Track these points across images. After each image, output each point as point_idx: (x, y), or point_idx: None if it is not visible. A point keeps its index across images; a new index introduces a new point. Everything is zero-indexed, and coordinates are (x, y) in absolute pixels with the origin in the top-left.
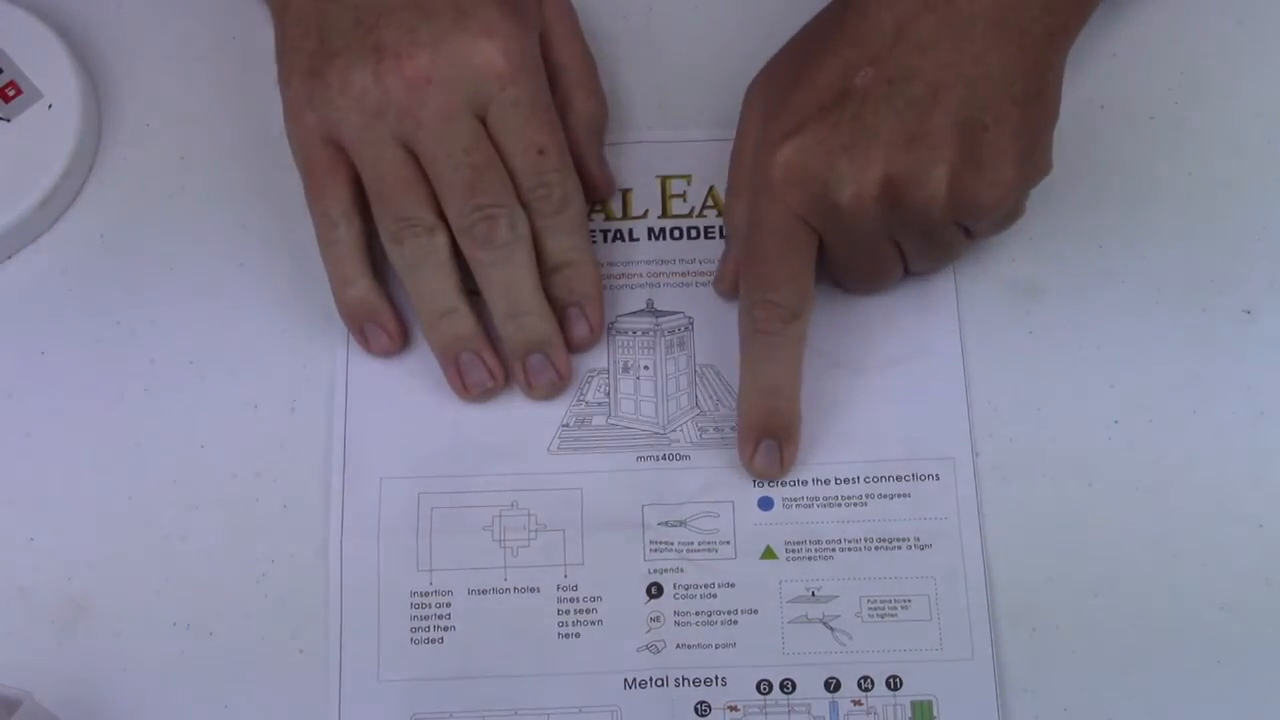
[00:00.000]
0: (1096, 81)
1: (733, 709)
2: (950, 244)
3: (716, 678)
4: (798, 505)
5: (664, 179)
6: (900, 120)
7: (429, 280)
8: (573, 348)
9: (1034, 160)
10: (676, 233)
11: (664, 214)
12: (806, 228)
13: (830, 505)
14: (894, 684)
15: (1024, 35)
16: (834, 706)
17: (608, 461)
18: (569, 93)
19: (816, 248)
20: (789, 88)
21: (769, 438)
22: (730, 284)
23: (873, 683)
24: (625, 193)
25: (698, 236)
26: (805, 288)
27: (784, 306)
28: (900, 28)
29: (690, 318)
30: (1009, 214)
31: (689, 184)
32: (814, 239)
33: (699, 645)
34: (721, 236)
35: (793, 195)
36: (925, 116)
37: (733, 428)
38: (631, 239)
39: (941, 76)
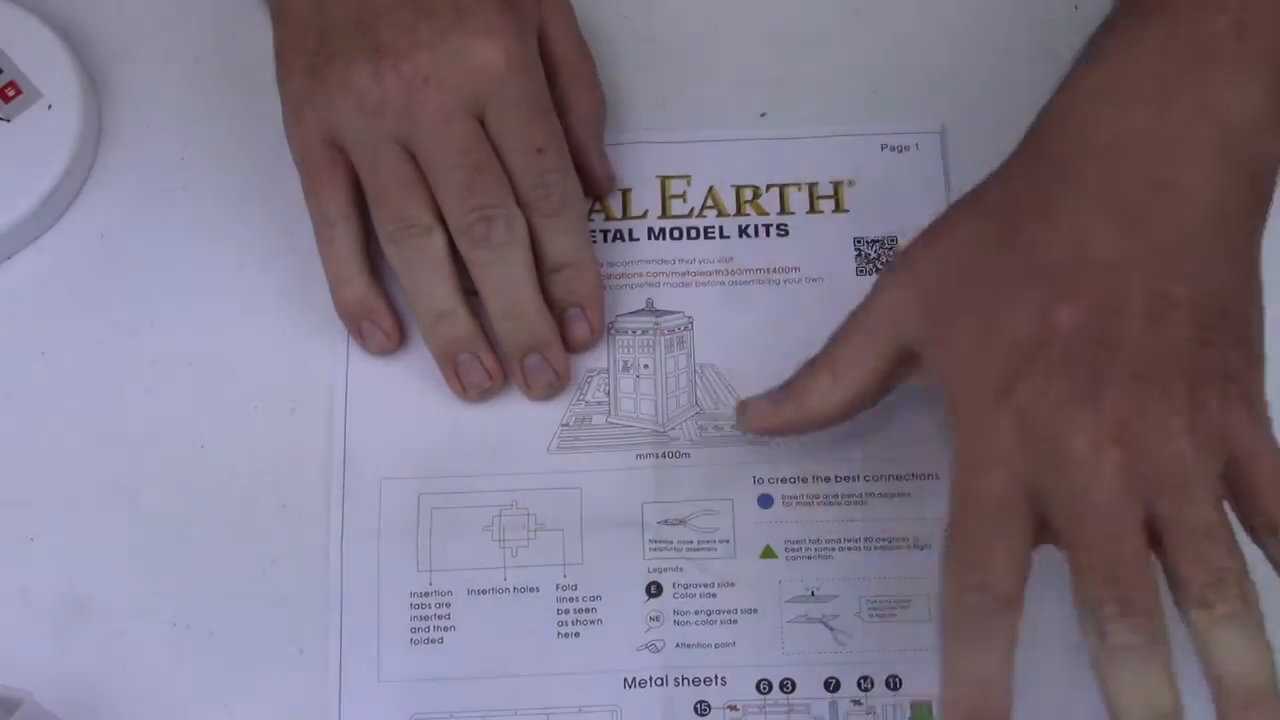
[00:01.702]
0: None
1: (732, 709)
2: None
3: (716, 677)
4: (797, 504)
5: (664, 179)
6: (1119, 360)
7: (426, 281)
8: (573, 348)
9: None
10: (676, 233)
11: (664, 214)
12: (1028, 501)
13: (830, 504)
14: (894, 684)
15: (1227, 233)
16: (834, 706)
17: (607, 460)
18: (567, 89)
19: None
20: (979, 341)
21: None
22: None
23: (872, 683)
24: (625, 193)
25: (698, 236)
26: (1023, 569)
27: (997, 590)
28: (1095, 246)
29: (690, 317)
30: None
31: (689, 184)
32: (1035, 517)
33: (699, 644)
34: (722, 236)
35: (1018, 460)
36: (1144, 352)
37: (733, 426)
38: (631, 239)
39: (1153, 305)
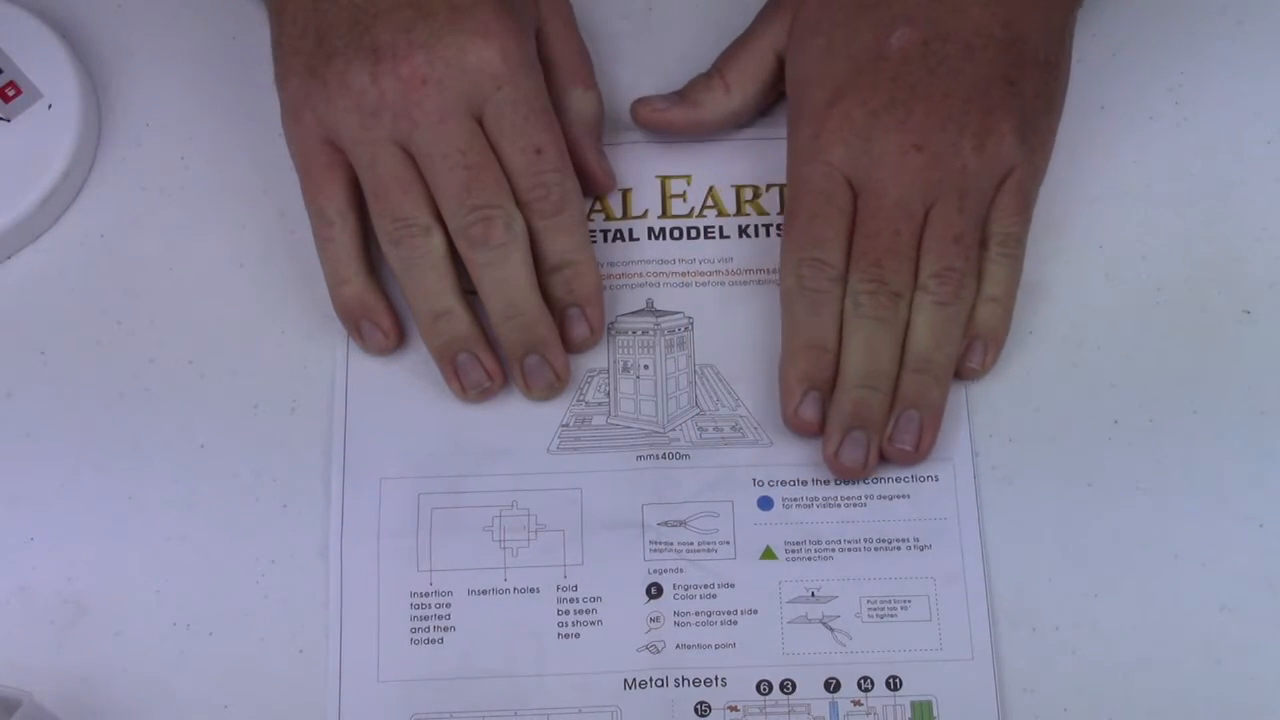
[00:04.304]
0: (1096, 81)
1: (733, 709)
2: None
3: (716, 678)
4: (797, 505)
5: (664, 179)
6: (936, 80)
7: (425, 281)
8: (572, 348)
9: (1038, 129)
10: (676, 233)
11: (664, 214)
12: (847, 187)
13: (830, 506)
14: (894, 684)
15: (1049, 2)
16: (834, 707)
17: (607, 461)
18: (565, 89)
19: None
20: (823, 53)
21: (815, 389)
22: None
23: (872, 683)
24: (625, 192)
25: (698, 236)
26: (847, 250)
27: (831, 265)
28: None
29: (690, 317)
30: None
31: (689, 184)
32: (854, 203)
33: (699, 645)
34: (722, 236)
35: (837, 153)
36: (958, 75)
37: (733, 427)
38: (631, 239)
39: (974, 39)
